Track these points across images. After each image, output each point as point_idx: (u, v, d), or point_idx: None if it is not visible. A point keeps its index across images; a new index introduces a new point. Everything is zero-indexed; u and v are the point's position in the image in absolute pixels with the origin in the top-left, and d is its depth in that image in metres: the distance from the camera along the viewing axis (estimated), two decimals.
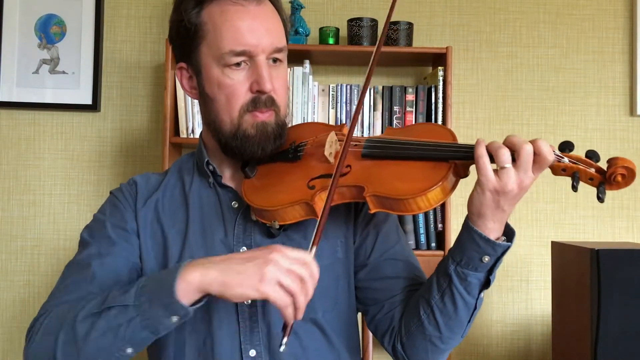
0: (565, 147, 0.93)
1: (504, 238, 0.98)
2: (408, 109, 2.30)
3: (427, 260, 2.23)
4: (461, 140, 1.06)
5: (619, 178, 0.90)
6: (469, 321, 1.04)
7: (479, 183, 0.93)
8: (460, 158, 0.97)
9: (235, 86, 1.05)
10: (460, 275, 0.99)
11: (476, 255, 0.97)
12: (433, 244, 2.31)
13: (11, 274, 2.42)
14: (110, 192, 1.18)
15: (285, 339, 0.91)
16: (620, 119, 2.51)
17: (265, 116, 1.07)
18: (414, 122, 2.29)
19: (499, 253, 0.96)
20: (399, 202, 0.96)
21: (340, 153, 1.00)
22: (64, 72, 2.42)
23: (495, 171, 0.92)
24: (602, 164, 0.92)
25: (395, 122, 2.30)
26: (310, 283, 0.90)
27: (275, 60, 1.08)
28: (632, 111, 2.50)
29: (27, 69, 2.41)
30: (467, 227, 0.97)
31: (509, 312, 2.46)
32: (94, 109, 2.41)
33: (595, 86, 2.51)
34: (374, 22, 2.31)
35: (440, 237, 2.30)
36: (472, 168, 0.98)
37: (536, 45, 2.51)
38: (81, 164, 2.45)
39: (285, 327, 0.92)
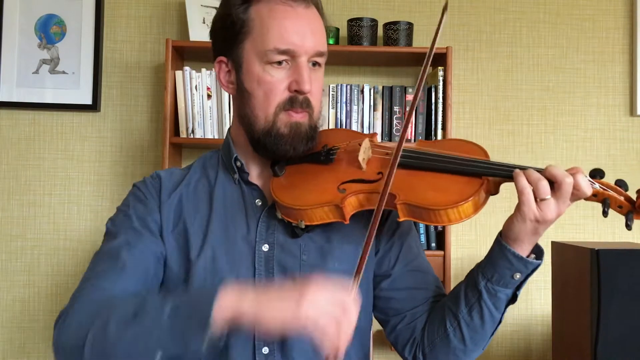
0: (597, 173, 0.97)
1: (533, 255, 1.01)
2: (408, 109, 2.30)
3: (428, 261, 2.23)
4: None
5: None
6: (492, 333, 1.07)
7: (520, 212, 0.95)
8: (493, 175, 0.99)
9: (275, 83, 1.06)
10: (490, 291, 1.02)
11: (508, 273, 1.00)
12: (433, 244, 2.31)
13: (11, 274, 2.42)
14: (134, 185, 1.17)
15: None
16: (620, 119, 2.51)
17: (300, 116, 1.08)
18: (414, 122, 2.29)
19: (529, 270, 1.00)
20: (429, 212, 0.98)
21: (388, 170, 1.00)
22: (64, 72, 2.42)
23: (536, 201, 0.94)
24: (631, 193, 0.96)
25: (395, 122, 2.30)
26: (348, 327, 0.85)
27: (314, 64, 1.09)
28: (632, 111, 2.50)
29: (27, 69, 2.41)
30: (500, 245, 1.00)
31: (509, 312, 2.43)
32: (94, 109, 2.41)
33: (595, 86, 2.51)
34: (374, 22, 2.31)
35: (440, 237, 2.30)
36: (502, 186, 1.01)
37: (536, 45, 2.51)
38: (81, 164, 2.45)
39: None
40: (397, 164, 1.00)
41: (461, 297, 1.05)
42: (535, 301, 2.45)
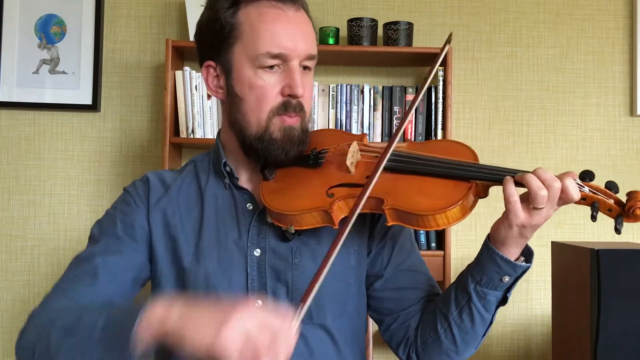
0: (586, 176, 0.95)
1: (522, 258, 1.00)
2: (409, 109, 2.30)
3: (428, 261, 2.20)
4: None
5: (638, 212, 0.91)
6: (484, 334, 1.06)
7: (507, 219, 0.94)
8: (482, 179, 0.98)
9: (267, 88, 1.05)
10: (480, 294, 1.01)
11: (496, 276, 0.99)
12: (433, 244, 2.31)
13: (11, 274, 2.42)
14: (124, 189, 1.17)
15: None
16: (620, 119, 2.51)
17: (293, 121, 1.07)
18: (413, 122, 2.29)
19: (518, 273, 0.99)
20: (417, 218, 0.97)
21: (372, 175, 0.99)
22: (64, 72, 2.42)
23: (523, 206, 0.93)
24: (622, 196, 0.93)
25: (395, 122, 2.30)
26: (283, 346, 0.77)
27: (305, 67, 1.09)
28: (632, 111, 2.50)
29: (27, 69, 2.41)
30: (488, 248, 0.99)
31: (509, 312, 2.46)
32: (94, 109, 2.41)
33: (595, 86, 2.52)
34: (374, 22, 2.31)
35: (440, 237, 2.30)
36: (491, 189, 1.00)
37: (536, 45, 2.51)
38: (81, 164, 2.45)
39: None
40: (379, 172, 0.99)
41: (451, 299, 1.05)
42: (535, 301, 2.45)
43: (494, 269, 0.98)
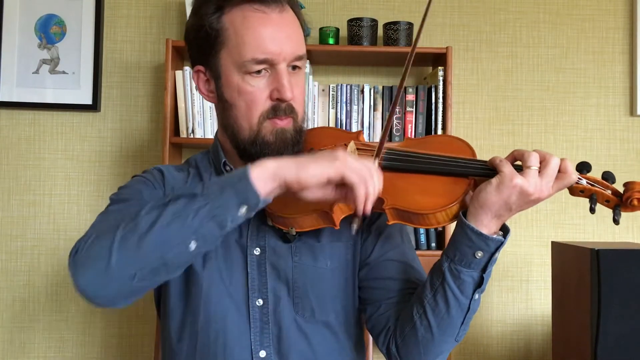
0: (583, 167, 0.95)
1: (501, 233, 0.98)
2: (408, 109, 2.30)
3: (427, 261, 2.21)
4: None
5: (635, 202, 0.93)
6: (462, 323, 1.02)
7: (500, 179, 0.93)
8: (480, 175, 0.98)
9: (256, 93, 1.05)
10: (454, 272, 0.98)
11: (469, 251, 0.96)
12: (433, 244, 2.31)
13: (11, 274, 2.42)
14: (135, 175, 1.16)
15: (355, 225, 0.94)
16: (620, 119, 2.51)
17: (284, 123, 1.07)
18: (413, 122, 2.29)
19: (492, 249, 0.96)
20: (418, 217, 0.97)
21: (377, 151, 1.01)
22: (64, 72, 2.42)
23: (518, 171, 0.93)
24: (618, 186, 0.94)
25: (395, 122, 2.30)
26: (375, 187, 0.91)
27: (294, 67, 1.08)
28: (632, 111, 2.50)
29: (27, 69, 2.41)
30: (461, 223, 0.98)
31: (509, 312, 2.46)
32: (94, 109, 2.41)
33: (595, 86, 2.52)
34: (374, 22, 2.31)
35: (440, 237, 2.30)
36: None
37: (536, 45, 2.51)
38: (81, 164, 2.45)
39: (355, 215, 0.93)
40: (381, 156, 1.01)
41: (427, 282, 1.03)
42: (535, 301, 2.45)
43: (466, 243, 0.96)
